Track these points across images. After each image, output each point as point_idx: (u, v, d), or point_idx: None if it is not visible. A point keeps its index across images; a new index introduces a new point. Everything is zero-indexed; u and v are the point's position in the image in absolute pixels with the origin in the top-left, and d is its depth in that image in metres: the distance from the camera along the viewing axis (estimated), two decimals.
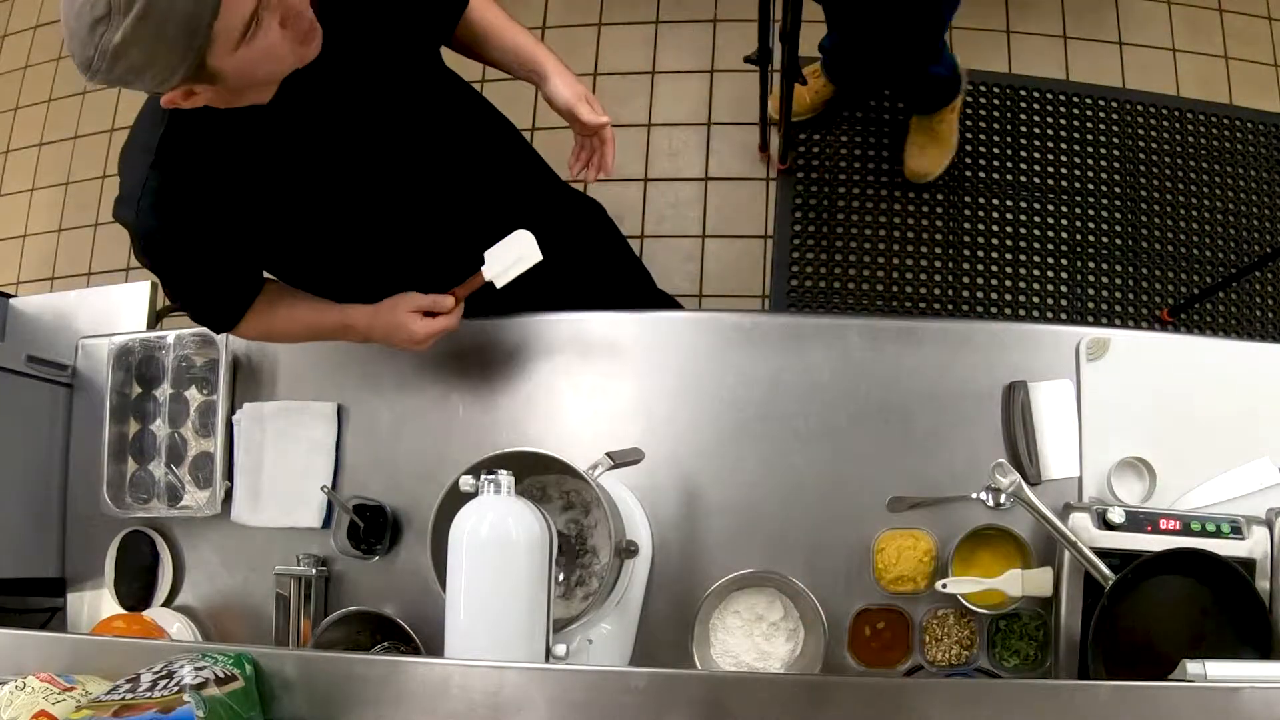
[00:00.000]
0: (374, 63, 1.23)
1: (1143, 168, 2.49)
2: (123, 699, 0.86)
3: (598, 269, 1.70)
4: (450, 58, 1.40)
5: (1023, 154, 2.52)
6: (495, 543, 1.11)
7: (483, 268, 1.33)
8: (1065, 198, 2.48)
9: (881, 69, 2.09)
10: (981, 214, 2.49)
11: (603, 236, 1.71)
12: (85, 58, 0.97)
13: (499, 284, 1.33)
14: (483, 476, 1.14)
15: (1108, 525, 1.27)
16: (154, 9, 0.93)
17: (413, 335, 1.33)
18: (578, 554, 1.36)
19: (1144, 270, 2.43)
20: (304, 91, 1.15)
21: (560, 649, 1.13)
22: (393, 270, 1.43)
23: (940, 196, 2.50)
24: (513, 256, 1.33)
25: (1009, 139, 2.53)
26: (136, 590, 1.57)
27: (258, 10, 0.99)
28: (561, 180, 1.58)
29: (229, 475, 1.57)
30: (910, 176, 2.48)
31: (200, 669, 0.91)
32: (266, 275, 1.40)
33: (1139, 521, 1.27)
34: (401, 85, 1.27)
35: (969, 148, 2.53)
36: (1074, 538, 1.23)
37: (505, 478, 1.13)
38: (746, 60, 2.08)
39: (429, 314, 1.34)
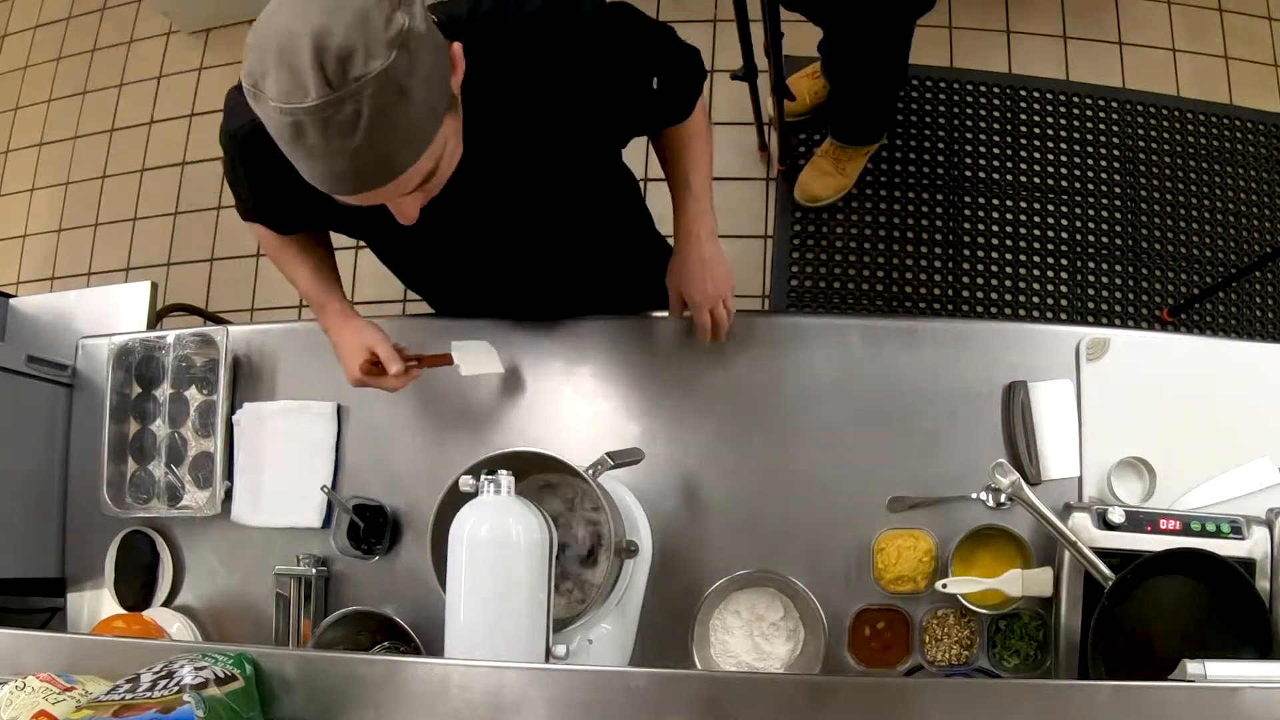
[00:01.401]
0: (549, 146, 1.16)
1: (1143, 168, 2.49)
2: (123, 699, 0.86)
3: (643, 294, 1.63)
4: None
5: (1023, 154, 2.52)
6: (495, 543, 1.11)
7: (451, 350, 1.43)
8: (1065, 198, 2.48)
9: (867, 62, 2.10)
10: (981, 214, 2.49)
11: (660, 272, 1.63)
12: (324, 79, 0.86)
13: (463, 373, 1.43)
14: (483, 477, 1.14)
15: (1108, 525, 1.27)
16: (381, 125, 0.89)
17: (347, 371, 1.37)
18: (586, 557, 1.36)
19: (1144, 270, 2.43)
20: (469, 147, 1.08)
21: (560, 649, 1.13)
22: (467, 284, 1.45)
23: (940, 197, 2.50)
24: (480, 359, 1.45)
25: (1009, 139, 2.53)
26: (136, 590, 1.57)
27: (426, 180, 0.98)
28: (656, 232, 1.57)
29: (229, 475, 1.57)
30: (801, 197, 2.47)
31: (200, 669, 0.91)
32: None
33: (1139, 521, 1.27)
34: (568, 168, 1.21)
35: (969, 148, 2.53)
36: (1074, 538, 1.23)
37: (505, 478, 1.13)
38: (734, 77, 2.09)
39: (377, 362, 1.35)
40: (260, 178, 1.21)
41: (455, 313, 1.57)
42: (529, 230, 1.31)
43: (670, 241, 1.44)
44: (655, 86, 1.21)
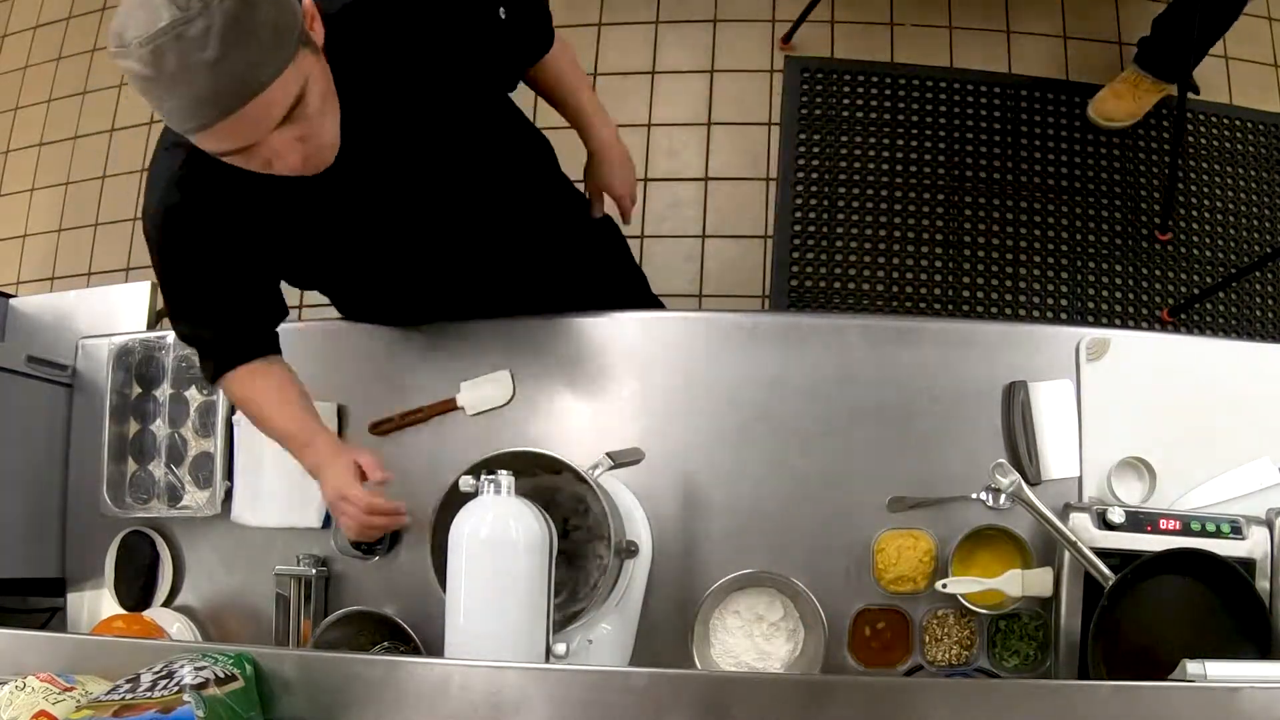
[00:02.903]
0: (426, 105, 1.20)
1: (1142, 168, 2.49)
2: (123, 699, 0.86)
3: (603, 276, 1.71)
4: None
5: (1023, 154, 2.52)
6: (495, 543, 1.11)
7: (457, 395, 1.50)
8: (1065, 198, 2.48)
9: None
10: (981, 214, 2.49)
11: (611, 247, 1.72)
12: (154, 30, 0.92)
13: (469, 413, 1.50)
14: (483, 477, 1.14)
15: (1108, 525, 1.27)
16: (234, 44, 0.93)
17: (334, 489, 1.31)
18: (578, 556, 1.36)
19: (1144, 270, 2.43)
20: (350, 127, 1.12)
21: (560, 649, 1.13)
22: (410, 283, 1.45)
23: (940, 197, 2.50)
24: (488, 394, 1.50)
25: (1009, 139, 2.53)
26: (136, 590, 1.57)
27: (293, 109, 1.01)
28: (580, 195, 1.58)
29: (229, 475, 1.57)
30: (1096, 115, 2.50)
31: (200, 669, 0.91)
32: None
33: (1139, 521, 1.27)
34: (452, 124, 1.24)
35: (969, 148, 2.53)
36: (1074, 538, 1.23)
37: (505, 478, 1.13)
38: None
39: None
40: (197, 251, 1.23)
41: (430, 319, 1.56)
42: (450, 208, 1.32)
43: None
44: (504, 16, 1.25)
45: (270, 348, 1.37)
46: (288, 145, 1.03)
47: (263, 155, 1.03)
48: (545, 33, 1.37)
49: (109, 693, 0.88)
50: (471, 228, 1.36)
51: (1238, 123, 2.51)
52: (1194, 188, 2.47)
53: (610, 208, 1.59)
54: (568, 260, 1.56)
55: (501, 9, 1.24)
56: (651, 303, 1.91)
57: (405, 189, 1.25)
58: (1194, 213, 2.46)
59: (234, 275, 1.28)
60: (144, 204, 1.23)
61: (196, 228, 1.21)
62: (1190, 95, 2.50)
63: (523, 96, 1.40)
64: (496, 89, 1.31)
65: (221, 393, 1.57)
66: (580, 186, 1.59)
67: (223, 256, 1.24)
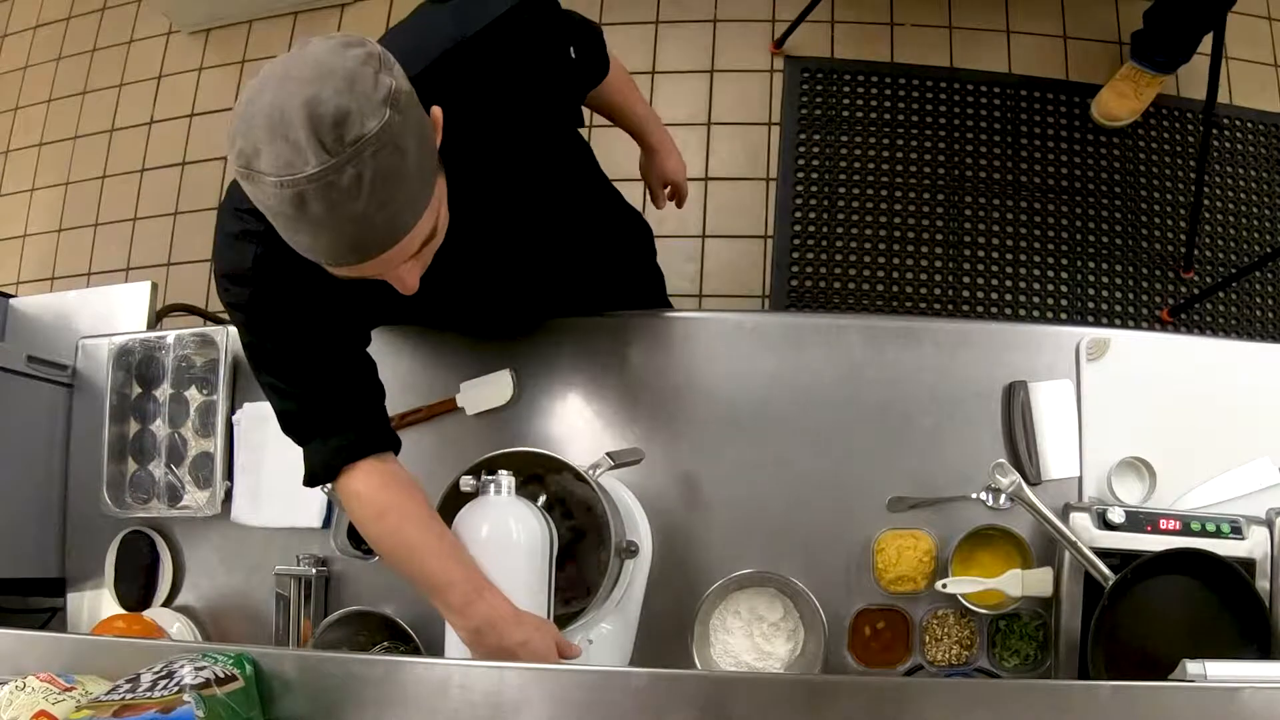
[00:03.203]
0: (510, 153, 1.15)
1: (1142, 168, 2.49)
2: (123, 699, 0.86)
3: (629, 275, 1.70)
4: None
5: (1023, 154, 2.52)
6: (495, 543, 1.11)
7: (457, 395, 1.49)
8: (1065, 198, 2.48)
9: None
10: (981, 214, 2.49)
11: (642, 244, 1.71)
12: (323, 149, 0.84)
13: (469, 413, 1.50)
14: (483, 477, 1.14)
15: (1108, 525, 1.27)
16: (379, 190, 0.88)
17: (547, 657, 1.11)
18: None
19: (1144, 270, 2.43)
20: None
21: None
22: (459, 300, 1.40)
23: (940, 197, 2.51)
24: (487, 394, 1.50)
25: (1009, 139, 2.53)
26: (136, 590, 1.57)
27: (428, 240, 0.98)
28: (618, 196, 1.58)
29: (229, 475, 1.57)
30: (1100, 115, 2.51)
31: (200, 669, 0.91)
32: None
33: (1139, 521, 1.27)
34: (534, 166, 1.21)
35: (969, 148, 2.53)
36: (1074, 538, 1.23)
37: (505, 478, 1.13)
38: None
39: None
40: (281, 316, 1.12)
41: (459, 330, 1.55)
42: (526, 241, 1.30)
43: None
44: (574, 55, 1.23)
45: (392, 440, 1.20)
46: (410, 269, 0.99)
47: (384, 277, 0.98)
48: (603, 60, 1.37)
49: (109, 693, 0.88)
50: (539, 245, 1.35)
51: (1238, 123, 2.51)
52: (1193, 187, 2.47)
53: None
54: (601, 258, 1.56)
55: (572, 49, 1.22)
56: (664, 304, 1.91)
57: (489, 234, 1.21)
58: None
59: (331, 340, 1.16)
60: (219, 270, 1.13)
61: (281, 299, 1.11)
62: (1191, 96, 2.51)
63: None
64: (568, 124, 1.28)
65: (222, 392, 1.56)
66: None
67: (314, 320, 1.14)
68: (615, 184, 1.53)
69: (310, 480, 1.18)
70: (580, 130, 1.33)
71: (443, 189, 0.99)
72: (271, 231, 0.94)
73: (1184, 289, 2.41)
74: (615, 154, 1.60)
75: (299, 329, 1.13)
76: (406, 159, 0.88)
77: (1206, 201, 2.45)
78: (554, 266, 1.42)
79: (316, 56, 0.87)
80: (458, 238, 1.07)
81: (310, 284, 1.07)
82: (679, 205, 1.70)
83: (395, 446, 1.20)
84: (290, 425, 1.17)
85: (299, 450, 1.53)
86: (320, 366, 1.15)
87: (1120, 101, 2.48)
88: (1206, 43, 2.28)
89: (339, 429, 1.15)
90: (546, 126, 1.21)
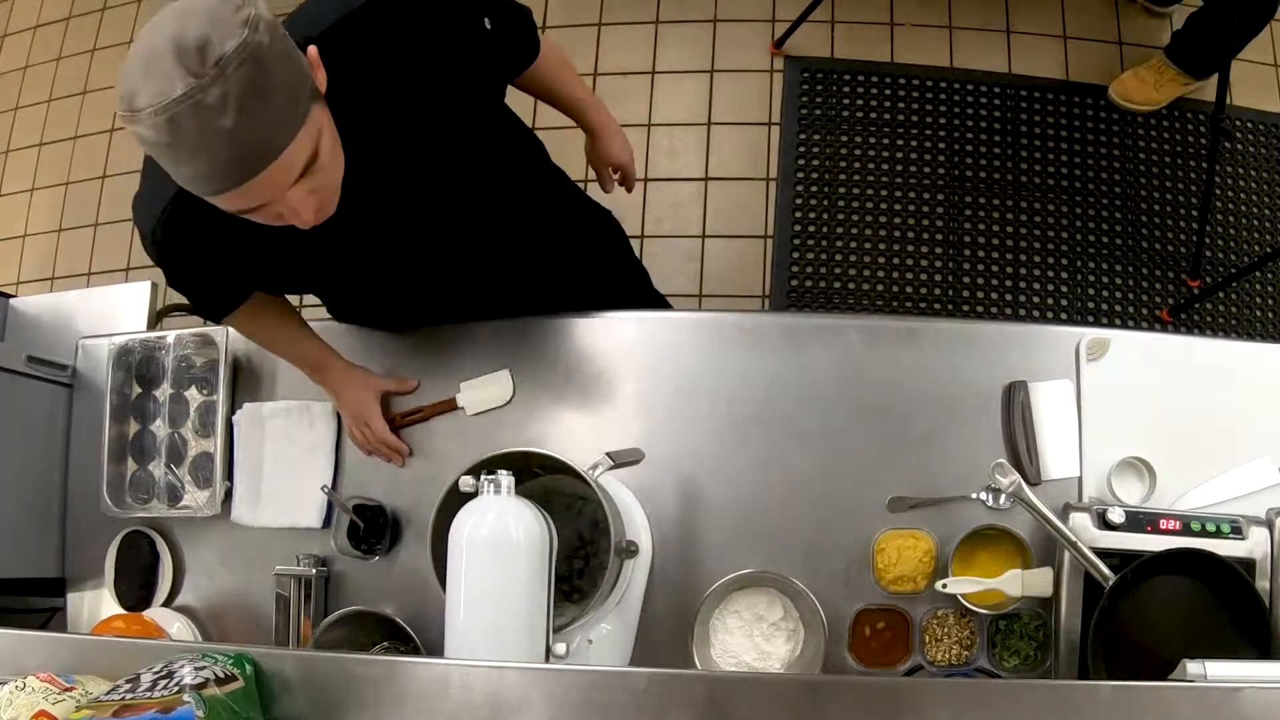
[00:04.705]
0: (418, 118, 1.19)
1: (1143, 168, 2.49)
2: (123, 699, 0.86)
3: (604, 273, 1.71)
4: None
5: (1023, 154, 2.52)
6: (495, 543, 1.11)
7: (457, 395, 1.52)
8: (1065, 198, 2.48)
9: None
10: (981, 214, 2.49)
11: (612, 242, 1.72)
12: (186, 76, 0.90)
13: (469, 413, 1.52)
14: (483, 476, 1.14)
15: (1108, 525, 1.27)
16: (252, 106, 0.92)
17: (364, 431, 1.52)
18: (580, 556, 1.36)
19: (1144, 270, 2.43)
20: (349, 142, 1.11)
21: (560, 649, 1.13)
22: (408, 288, 1.45)
23: (940, 197, 2.51)
24: (488, 393, 1.51)
25: (1009, 139, 2.53)
26: (136, 590, 1.57)
27: (308, 165, 1.00)
28: (579, 190, 1.60)
29: (229, 475, 1.57)
30: (1117, 94, 2.51)
31: (200, 669, 0.91)
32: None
33: (1139, 521, 1.27)
34: (444, 135, 1.24)
35: (969, 148, 2.53)
36: (1074, 538, 1.23)
37: (505, 478, 1.13)
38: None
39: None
40: (196, 256, 1.25)
41: (427, 322, 1.56)
42: (447, 216, 1.31)
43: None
44: (489, 27, 1.25)
45: (251, 289, 1.40)
46: (301, 199, 1.02)
47: (275, 210, 1.02)
48: (531, 41, 1.37)
49: (109, 693, 0.88)
50: (468, 232, 1.36)
51: (1238, 123, 2.51)
52: (1194, 188, 2.47)
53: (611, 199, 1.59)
54: (567, 256, 1.56)
55: (486, 19, 1.24)
56: (654, 298, 1.91)
57: (401, 201, 1.24)
58: (1194, 213, 2.45)
59: (225, 271, 1.32)
60: (138, 229, 1.24)
61: (190, 254, 1.25)
62: (1190, 96, 2.51)
63: (514, 96, 1.40)
64: (486, 99, 1.30)
65: (222, 392, 1.57)
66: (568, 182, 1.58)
67: (221, 269, 1.30)
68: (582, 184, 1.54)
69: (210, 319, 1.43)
70: (520, 120, 1.37)
71: (324, 118, 1.01)
72: (180, 192, 1.02)
73: (1184, 290, 2.41)
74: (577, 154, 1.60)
75: (213, 276, 1.32)
76: (270, 77, 0.93)
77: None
78: (498, 253, 1.42)
79: (182, 1, 0.94)
80: (364, 197, 1.14)
81: (218, 237, 1.18)
82: (628, 189, 1.69)
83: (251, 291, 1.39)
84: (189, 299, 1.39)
85: (299, 450, 1.56)
86: (216, 264, 1.29)
87: (1139, 87, 2.48)
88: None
89: (218, 299, 1.39)
90: (462, 98, 1.23)
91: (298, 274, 1.35)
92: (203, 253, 1.24)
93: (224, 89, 0.89)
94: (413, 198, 1.25)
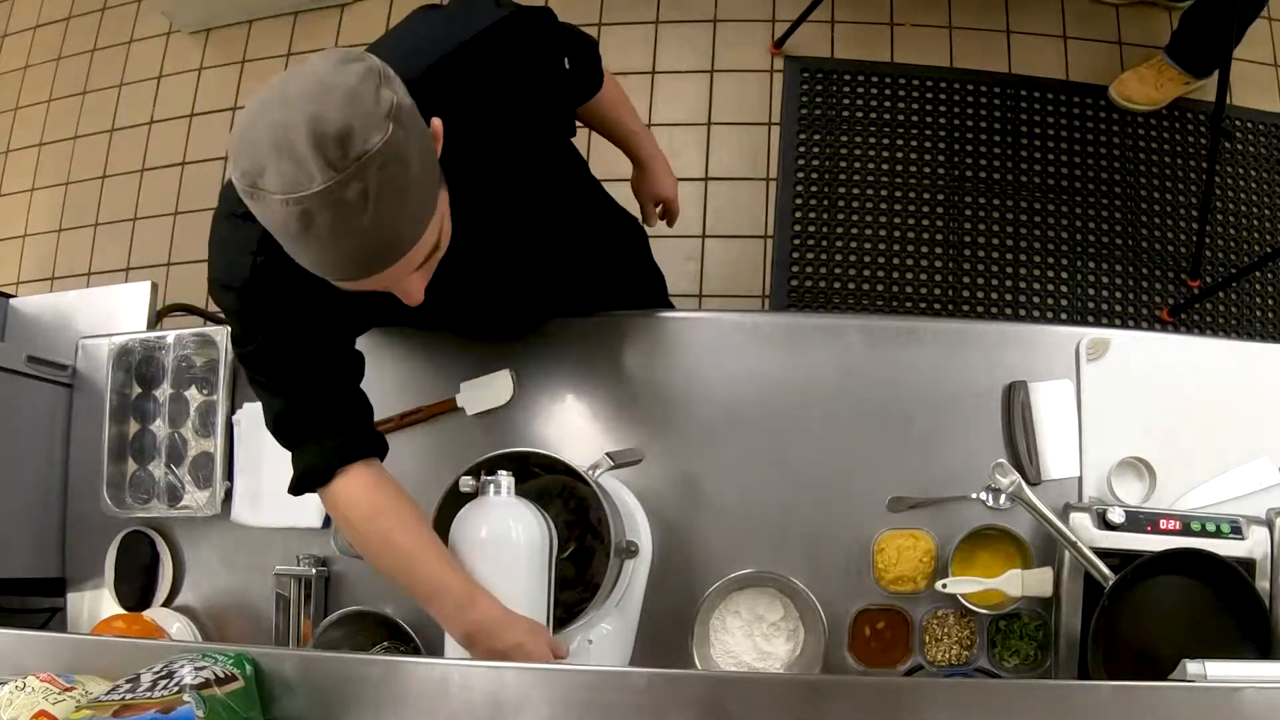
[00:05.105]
0: (504, 160, 1.16)
1: (1143, 168, 2.49)
2: (123, 699, 0.86)
3: (625, 277, 1.71)
4: None
5: (1023, 154, 2.52)
6: (495, 543, 1.11)
7: (457, 395, 1.46)
8: (1065, 198, 2.48)
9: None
10: (981, 214, 2.49)
11: (635, 246, 1.72)
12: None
13: (469, 413, 1.48)
14: (483, 477, 1.14)
15: (1108, 525, 1.27)
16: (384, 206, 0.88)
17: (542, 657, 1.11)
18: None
19: (1144, 270, 2.43)
20: None
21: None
22: (466, 306, 1.40)
23: (940, 197, 2.50)
24: (488, 394, 1.48)
25: (1009, 139, 2.53)
26: (136, 590, 1.57)
27: (431, 253, 0.99)
28: (609, 199, 1.59)
29: (229, 475, 1.57)
30: (1118, 95, 2.51)
31: (200, 669, 0.91)
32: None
33: (1139, 521, 1.27)
34: (526, 175, 1.22)
35: (969, 148, 2.53)
36: (1074, 538, 1.23)
37: (505, 478, 1.13)
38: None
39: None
40: (278, 322, 1.12)
41: (444, 325, 1.54)
42: (523, 246, 1.30)
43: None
44: (568, 67, 1.24)
45: (381, 445, 1.21)
46: (415, 280, 1.00)
47: (389, 289, 0.99)
48: (597, 74, 1.37)
49: (109, 693, 0.88)
50: (530, 252, 1.34)
51: (1238, 123, 2.51)
52: (1194, 188, 2.47)
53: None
54: (595, 261, 1.56)
55: (567, 60, 1.23)
56: (665, 304, 1.91)
57: (487, 241, 1.21)
58: (1194, 213, 2.45)
59: (325, 344, 1.17)
60: (214, 276, 1.13)
61: (279, 306, 1.11)
62: (1192, 97, 2.51)
63: None
64: (559, 132, 1.29)
65: (222, 392, 1.56)
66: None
67: (310, 325, 1.14)
68: (606, 184, 1.53)
69: (301, 484, 1.18)
70: (572, 139, 1.34)
71: (445, 201, 0.99)
72: (268, 238, 0.94)
73: (1184, 290, 2.41)
74: (606, 154, 1.60)
75: (292, 334, 1.13)
76: (409, 173, 0.89)
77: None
78: (549, 270, 1.42)
79: (317, 73, 0.87)
80: (457, 245, 1.07)
81: (305, 292, 1.06)
82: (669, 224, 1.69)
83: (383, 451, 1.21)
84: (281, 426, 1.18)
85: None
86: (312, 368, 1.16)
87: (1139, 86, 2.48)
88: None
89: (331, 431, 1.16)
90: (540, 135, 1.21)
91: (375, 314, 1.25)
92: (293, 302, 1.10)
93: (364, 186, 0.85)
94: (499, 230, 1.22)
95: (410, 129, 0.89)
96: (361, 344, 1.53)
